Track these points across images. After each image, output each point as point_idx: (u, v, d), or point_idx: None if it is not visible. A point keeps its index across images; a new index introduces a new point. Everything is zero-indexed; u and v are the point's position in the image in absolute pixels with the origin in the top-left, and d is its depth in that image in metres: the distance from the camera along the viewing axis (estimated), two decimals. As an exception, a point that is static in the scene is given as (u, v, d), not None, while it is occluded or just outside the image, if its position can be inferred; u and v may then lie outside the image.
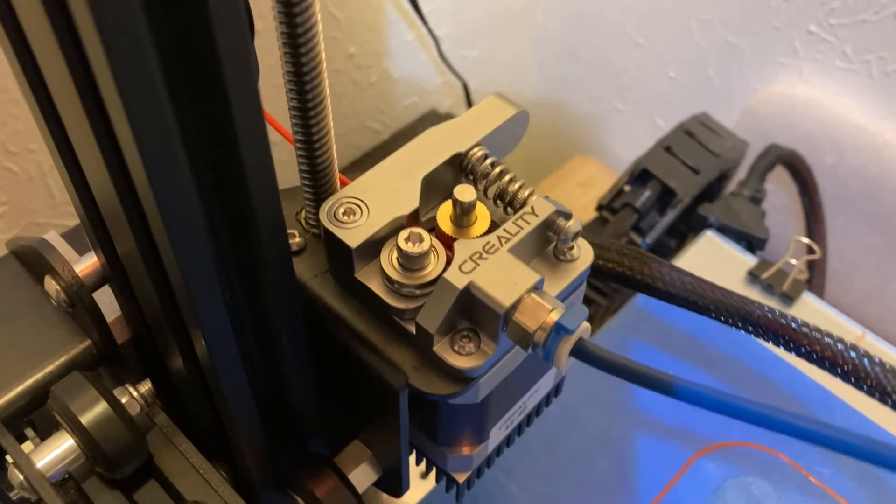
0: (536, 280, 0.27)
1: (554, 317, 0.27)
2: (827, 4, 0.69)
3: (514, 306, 0.27)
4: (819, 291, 0.71)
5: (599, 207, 0.61)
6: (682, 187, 0.60)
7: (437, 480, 0.37)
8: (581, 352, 0.27)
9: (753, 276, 0.57)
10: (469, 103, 0.88)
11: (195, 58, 0.20)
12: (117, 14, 0.18)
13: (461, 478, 0.35)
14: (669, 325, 0.55)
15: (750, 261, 0.58)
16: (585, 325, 0.27)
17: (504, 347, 0.29)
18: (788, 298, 0.56)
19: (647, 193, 0.60)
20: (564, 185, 0.88)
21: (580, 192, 0.88)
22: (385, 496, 0.48)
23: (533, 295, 0.27)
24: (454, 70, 0.84)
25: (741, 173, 0.68)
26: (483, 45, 0.89)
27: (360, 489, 0.34)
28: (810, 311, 0.56)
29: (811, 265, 0.69)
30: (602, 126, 0.98)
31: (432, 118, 0.89)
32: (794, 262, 0.57)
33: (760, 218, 0.62)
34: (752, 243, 0.61)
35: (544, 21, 0.94)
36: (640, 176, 0.61)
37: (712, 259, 0.59)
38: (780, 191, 0.77)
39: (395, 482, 0.35)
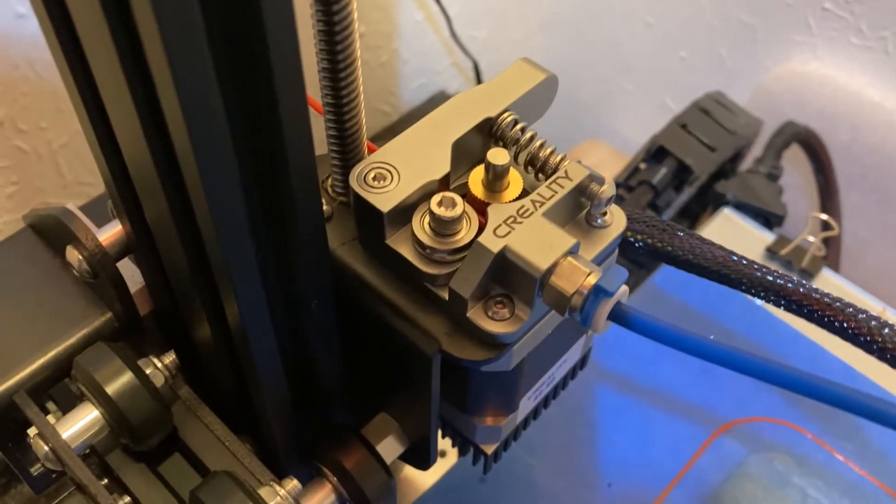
0: (573, 244, 0.27)
1: (592, 280, 0.26)
2: (842, -20, 0.68)
3: (551, 270, 0.27)
4: (834, 268, 0.71)
5: (615, 185, 0.60)
6: (699, 164, 0.59)
7: (462, 453, 0.36)
8: (620, 315, 0.26)
9: (772, 253, 0.56)
10: (479, 82, 0.87)
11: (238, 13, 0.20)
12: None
13: (489, 449, 0.35)
14: (686, 304, 0.54)
15: (767, 237, 0.58)
16: (624, 288, 0.26)
17: (539, 313, 0.28)
18: (808, 275, 0.55)
19: (663, 170, 0.59)
20: (574, 167, 0.87)
21: (590, 173, 0.87)
22: (402, 474, 0.48)
23: (570, 258, 0.27)
24: (465, 49, 0.83)
25: (755, 151, 0.68)
26: (492, 25, 0.88)
27: (388, 460, 0.34)
28: (830, 286, 0.56)
29: (826, 242, 0.68)
30: (612, 108, 0.97)
31: (441, 100, 0.88)
32: (811, 238, 0.56)
33: (778, 194, 0.61)
34: (769, 220, 0.60)
35: (553, 4, 0.93)
36: (656, 153, 0.60)
37: (730, 236, 0.58)
38: (793, 169, 0.76)
39: (422, 454, 0.35)
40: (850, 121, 0.70)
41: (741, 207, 0.60)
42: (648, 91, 0.92)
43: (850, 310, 0.28)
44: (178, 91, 0.20)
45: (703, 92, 0.69)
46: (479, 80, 0.87)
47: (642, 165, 0.60)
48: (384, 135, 0.84)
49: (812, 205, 0.75)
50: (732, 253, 0.31)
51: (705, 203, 0.65)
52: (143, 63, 0.21)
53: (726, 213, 0.60)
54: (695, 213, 0.67)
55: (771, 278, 0.30)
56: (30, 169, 0.56)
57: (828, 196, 0.70)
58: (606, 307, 0.26)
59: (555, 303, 0.27)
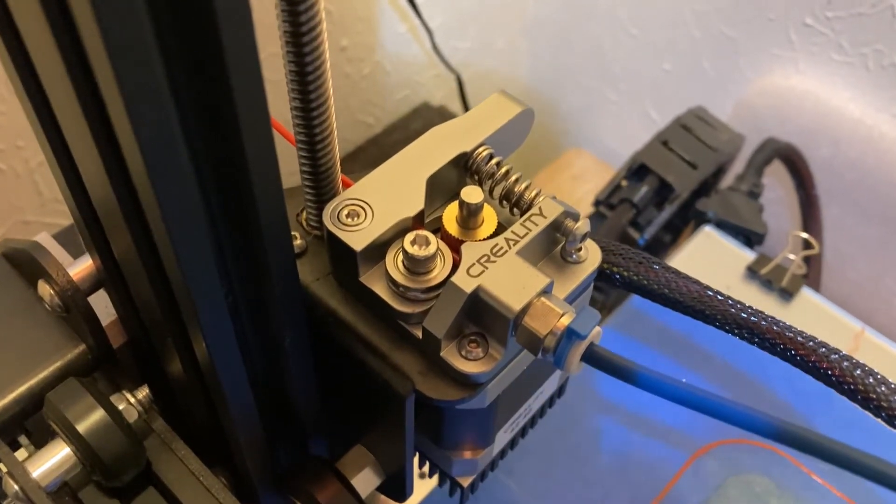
0: (546, 283, 0.27)
1: (565, 321, 0.26)
2: (823, -4, 0.68)
3: (524, 311, 0.26)
4: (815, 284, 0.71)
5: (597, 203, 0.60)
6: (680, 182, 0.59)
7: (441, 484, 0.36)
8: (593, 357, 0.26)
9: (752, 272, 0.57)
10: (462, 95, 0.87)
11: (197, 48, 0.19)
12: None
13: (466, 482, 0.35)
14: (665, 326, 0.54)
15: (748, 256, 0.58)
16: (597, 329, 0.26)
17: (512, 352, 0.28)
18: (787, 294, 0.56)
19: (644, 188, 0.59)
20: (559, 179, 0.87)
21: (574, 185, 0.88)
22: (384, 498, 0.47)
23: (543, 299, 0.27)
24: (447, 62, 0.83)
25: (737, 167, 0.68)
26: (475, 37, 0.88)
27: (363, 494, 0.33)
28: (809, 306, 0.56)
29: (807, 259, 0.68)
30: (595, 118, 0.97)
31: (424, 111, 0.88)
32: (792, 256, 0.56)
33: (758, 213, 0.62)
34: (750, 238, 0.60)
35: (536, 11, 0.93)
36: (637, 171, 0.60)
37: (711, 254, 0.58)
38: (774, 183, 0.76)
39: (398, 487, 0.34)
40: (831, 135, 0.70)
41: (722, 225, 0.60)
42: (632, 101, 0.92)
43: (823, 350, 0.28)
44: (136, 134, 0.19)
45: (686, 103, 0.69)
46: (461, 91, 0.87)
47: (624, 183, 0.60)
48: (367, 146, 0.84)
49: (793, 219, 0.75)
50: (708, 288, 0.31)
51: (686, 219, 0.65)
52: (102, 102, 0.20)
53: (707, 230, 0.60)
54: (677, 228, 0.68)
55: (745, 315, 0.30)
56: (7, 187, 0.55)
57: (809, 212, 0.70)
58: (579, 349, 0.26)
59: (528, 343, 0.27)
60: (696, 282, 0.32)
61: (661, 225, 0.60)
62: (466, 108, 0.88)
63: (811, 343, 0.28)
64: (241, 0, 0.19)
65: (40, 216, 0.59)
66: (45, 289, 0.32)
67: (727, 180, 0.68)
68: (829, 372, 0.27)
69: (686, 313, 0.31)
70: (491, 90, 0.31)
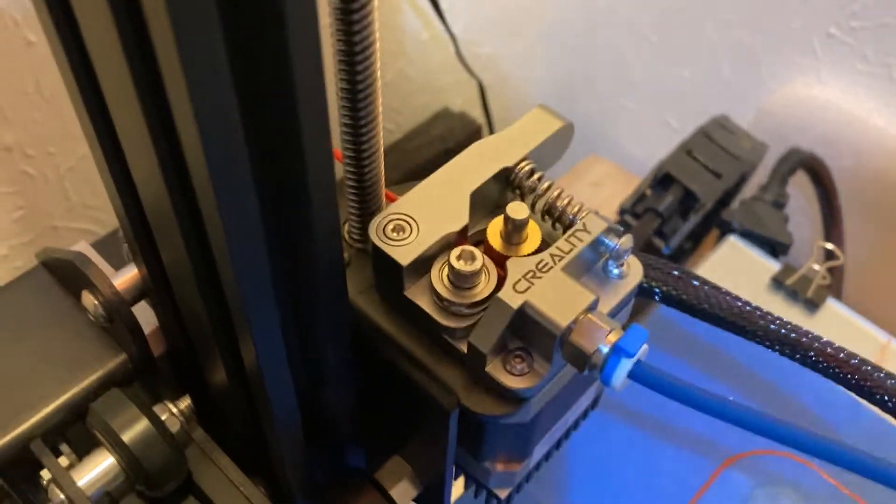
0: (592, 300, 0.27)
1: (612, 338, 0.26)
2: (847, 7, 0.68)
3: (571, 327, 0.27)
4: (836, 294, 0.71)
5: (622, 212, 0.60)
6: (705, 191, 0.59)
7: (476, 495, 0.36)
8: (640, 375, 0.26)
9: (777, 283, 0.57)
10: (483, 101, 0.87)
11: (266, 58, 0.20)
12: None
13: (503, 493, 0.35)
14: (694, 335, 0.54)
15: (773, 266, 0.58)
16: (644, 347, 0.26)
17: (557, 368, 0.28)
18: (813, 305, 0.56)
19: (669, 198, 0.59)
20: (578, 185, 0.87)
21: (593, 191, 0.88)
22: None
23: (590, 315, 0.27)
24: (470, 69, 0.83)
25: (759, 175, 0.68)
26: (495, 43, 0.88)
27: (401, 505, 0.34)
28: (835, 317, 0.56)
29: (831, 270, 0.68)
30: (614, 124, 0.97)
31: (445, 117, 0.88)
32: (817, 267, 0.56)
33: (783, 223, 0.62)
34: (775, 248, 0.60)
35: (555, 17, 0.93)
36: (662, 180, 0.60)
37: (736, 265, 0.58)
38: (796, 193, 0.76)
39: (435, 499, 0.35)
40: (854, 146, 0.70)
41: (747, 235, 0.60)
42: (651, 108, 0.92)
43: (867, 367, 0.28)
44: (202, 137, 0.19)
45: (706, 111, 0.69)
46: (483, 98, 0.87)
47: (648, 192, 0.61)
48: (388, 152, 0.83)
49: (816, 228, 0.75)
50: (747, 303, 0.31)
51: (708, 227, 0.65)
52: (164, 105, 0.21)
53: (732, 240, 0.60)
54: (698, 235, 0.68)
55: (785, 332, 0.30)
56: (36, 193, 0.56)
57: (832, 223, 0.70)
58: (626, 366, 0.26)
59: (574, 360, 0.27)
60: (737, 297, 0.32)
61: (685, 234, 0.60)
62: (487, 114, 0.88)
63: (854, 361, 0.28)
64: (310, 16, 0.19)
65: (68, 221, 0.59)
66: (89, 299, 0.32)
67: (749, 189, 0.68)
68: (874, 390, 0.27)
69: (726, 328, 0.31)
70: (510, 96, 0.32)
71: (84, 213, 0.59)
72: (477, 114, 0.91)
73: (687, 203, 0.60)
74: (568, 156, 0.33)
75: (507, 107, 0.93)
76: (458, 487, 0.47)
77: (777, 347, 0.30)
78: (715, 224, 0.63)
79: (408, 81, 0.82)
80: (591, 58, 0.94)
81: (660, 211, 0.59)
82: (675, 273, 0.32)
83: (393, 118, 0.84)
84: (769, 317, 0.31)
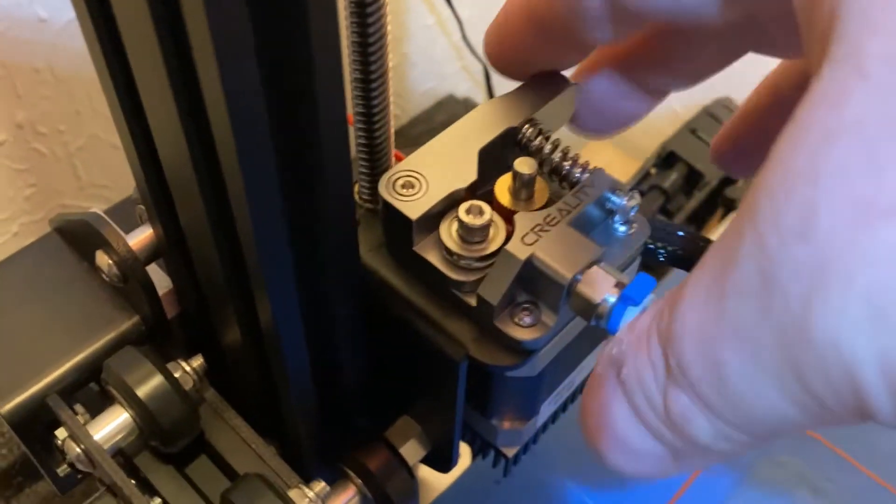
0: (599, 252, 0.27)
1: (619, 287, 0.27)
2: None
3: (578, 278, 0.27)
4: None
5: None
6: (710, 169, 0.60)
7: (484, 456, 0.37)
8: (646, 323, 0.27)
9: (781, 258, 0.57)
10: (489, 87, 0.88)
11: (285, 15, 0.20)
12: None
13: (510, 452, 0.35)
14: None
15: (777, 243, 0.58)
16: (651, 296, 0.27)
17: (564, 319, 0.29)
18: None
19: (674, 175, 0.60)
20: (582, 170, 0.88)
21: (598, 176, 0.88)
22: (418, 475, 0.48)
23: (597, 267, 0.27)
24: (475, 53, 0.83)
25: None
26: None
27: (411, 463, 0.34)
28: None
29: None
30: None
31: (450, 103, 0.88)
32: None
33: (787, 200, 0.62)
34: (778, 225, 0.61)
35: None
36: (666, 158, 0.61)
37: (740, 241, 0.59)
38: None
39: (443, 458, 0.35)
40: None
41: (751, 213, 0.61)
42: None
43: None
44: (227, 99, 0.20)
45: (709, 96, 0.70)
46: (488, 83, 0.88)
47: (653, 170, 0.61)
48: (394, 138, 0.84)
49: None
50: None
51: (715, 207, 0.66)
52: (189, 68, 0.21)
53: (736, 218, 0.60)
54: (702, 218, 0.68)
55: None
56: (47, 171, 0.56)
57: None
58: (633, 315, 0.27)
59: (581, 310, 0.27)
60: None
61: (690, 212, 0.60)
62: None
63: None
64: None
65: (78, 200, 0.60)
66: (103, 259, 0.32)
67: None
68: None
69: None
70: (515, 82, 0.32)
71: (94, 192, 0.60)
72: (482, 100, 0.91)
73: (691, 181, 0.61)
74: (572, 142, 0.34)
75: (511, 93, 0.94)
76: (464, 458, 0.47)
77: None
78: (720, 203, 0.63)
79: (412, 67, 0.83)
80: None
81: (664, 188, 0.59)
82: (679, 233, 0.33)
83: (398, 104, 0.85)
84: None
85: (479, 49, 0.86)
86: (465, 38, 0.81)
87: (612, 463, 0.23)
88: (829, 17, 0.19)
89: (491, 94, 0.89)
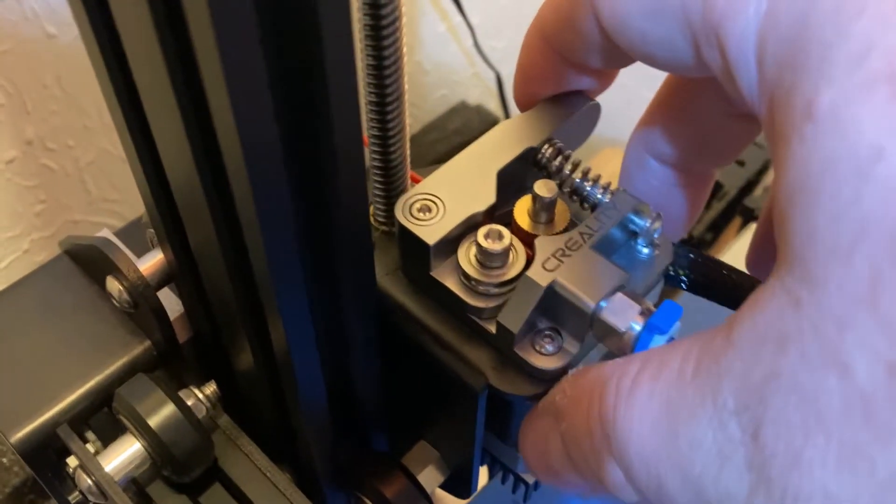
0: (624, 277, 0.27)
1: (644, 316, 0.26)
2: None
3: (602, 305, 0.26)
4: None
5: (643, 200, 0.60)
6: (728, 179, 0.59)
7: (503, 481, 0.36)
8: (673, 352, 0.26)
9: (803, 269, 0.56)
10: (501, 94, 0.87)
11: (298, 37, 0.19)
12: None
13: (531, 479, 0.34)
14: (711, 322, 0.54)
15: (798, 253, 0.57)
16: (677, 325, 0.26)
17: (588, 347, 0.28)
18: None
19: (692, 185, 0.58)
20: (596, 177, 0.87)
21: (613, 183, 0.87)
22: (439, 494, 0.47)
23: (621, 293, 0.26)
24: (488, 60, 0.82)
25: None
26: (511, 35, 0.88)
27: (429, 490, 0.33)
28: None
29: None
30: (632, 117, 0.96)
31: (462, 110, 0.88)
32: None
33: (807, 209, 0.61)
34: (799, 235, 0.60)
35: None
36: (684, 168, 0.60)
37: (760, 252, 0.58)
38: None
39: (463, 483, 0.34)
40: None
41: (770, 222, 0.60)
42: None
43: None
44: (235, 116, 0.19)
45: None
46: (500, 91, 0.87)
47: (670, 180, 0.60)
48: (405, 146, 0.84)
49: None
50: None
51: (732, 216, 0.65)
52: (197, 89, 0.20)
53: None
54: (719, 226, 0.67)
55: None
56: (57, 187, 0.56)
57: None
58: (659, 344, 0.26)
59: (606, 338, 0.26)
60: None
61: (709, 222, 0.59)
62: (505, 107, 0.88)
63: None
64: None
65: (88, 215, 0.59)
66: (114, 285, 0.32)
67: (772, 176, 0.67)
68: None
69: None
70: None
71: (104, 207, 0.59)
72: (494, 106, 0.90)
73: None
74: (585, 148, 0.33)
75: (524, 100, 0.93)
76: (483, 476, 0.46)
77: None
78: (738, 212, 0.62)
79: (425, 75, 0.82)
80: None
81: (682, 199, 0.58)
82: (700, 260, 0.32)
83: (411, 112, 0.84)
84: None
85: (491, 55, 0.85)
86: (476, 44, 0.80)
87: (542, 481, 0.27)
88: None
89: (503, 100, 0.89)
